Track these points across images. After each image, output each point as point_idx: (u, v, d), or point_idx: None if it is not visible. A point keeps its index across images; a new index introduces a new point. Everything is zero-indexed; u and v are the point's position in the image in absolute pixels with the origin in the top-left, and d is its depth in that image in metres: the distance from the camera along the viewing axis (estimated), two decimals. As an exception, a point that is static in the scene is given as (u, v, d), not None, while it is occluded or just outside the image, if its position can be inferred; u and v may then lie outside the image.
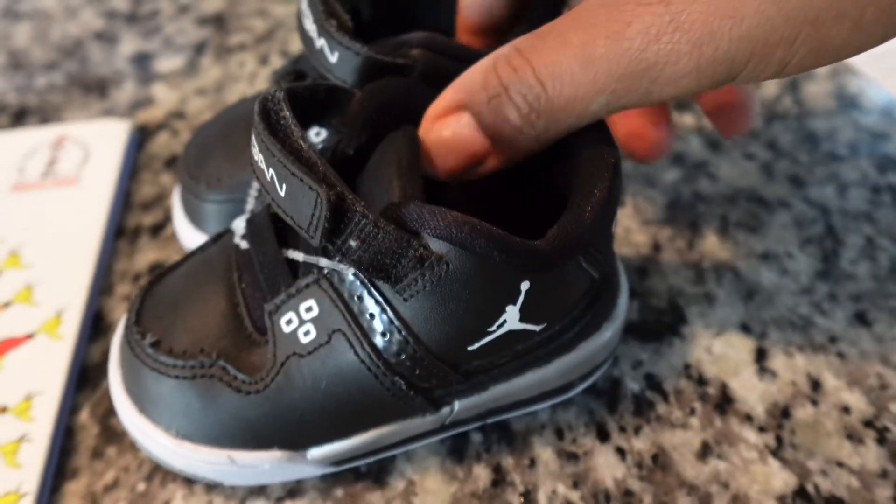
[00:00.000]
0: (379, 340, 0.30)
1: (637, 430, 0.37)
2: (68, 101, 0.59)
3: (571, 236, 0.28)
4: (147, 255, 0.47)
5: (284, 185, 0.27)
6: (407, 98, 0.33)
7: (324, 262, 0.30)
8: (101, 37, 0.65)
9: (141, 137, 0.55)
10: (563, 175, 0.32)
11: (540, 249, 0.27)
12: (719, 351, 0.40)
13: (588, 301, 0.32)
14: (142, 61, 0.62)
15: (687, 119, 0.53)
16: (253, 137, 0.28)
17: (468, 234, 0.26)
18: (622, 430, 0.37)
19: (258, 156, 0.28)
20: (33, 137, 0.53)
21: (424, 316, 0.29)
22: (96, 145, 0.52)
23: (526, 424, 0.37)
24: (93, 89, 0.59)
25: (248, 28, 0.65)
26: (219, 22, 0.66)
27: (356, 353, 0.30)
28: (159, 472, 0.36)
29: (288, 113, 0.28)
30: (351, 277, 0.29)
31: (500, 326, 0.30)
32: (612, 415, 0.38)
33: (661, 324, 0.41)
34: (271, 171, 0.27)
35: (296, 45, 0.62)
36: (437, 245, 0.27)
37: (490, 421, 0.36)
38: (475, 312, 0.29)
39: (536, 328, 0.31)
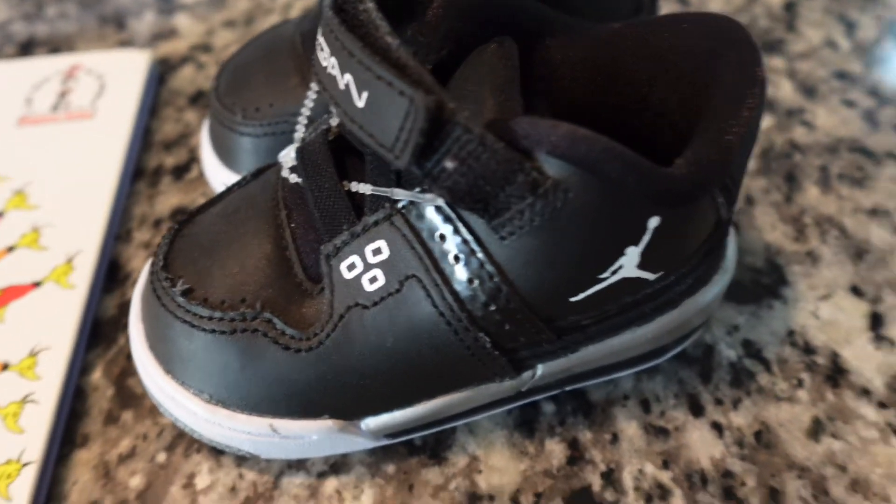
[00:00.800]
0: (463, 289, 0.25)
1: (736, 404, 0.32)
2: (81, 31, 0.53)
3: (714, 163, 0.23)
4: (169, 198, 0.41)
5: (365, 93, 0.21)
6: (496, 4, 0.27)
7: (399, 193, 0.24)
8: (116, -34, 0.60)
9: (162, 71, 0.49)
10: (681, 99, 0.26)
11: (680, 177, 0.22)
12: (827, 316, 0.35)
13: (707, 248, 0.27)
14: (161, -8, 0.56)
15: (777, 62, 0.47)
16: (321, 39, 0.23)
17: (600, 153, 0.21)
18: (718, 402, 0.32)
19: (329, 60, 0.23)
20: (42, 67, 0.47)
21: (525, 259, 0.24)
22: (113, 77, 0.46)
23: (606, 394, 0.32)
24: (109, 20, 0.54)
25: (277, -40, 0.59)
26: (245, -47, 0.60)
27: (434, 304, 0.25)
28: (182, 441, 0.32)
29: (371, 4, 0.23)
30: (433, 212, 0.24)
31: (613, 273, 0.24)
32: (705, 385, 0.33)
33: (758, 284, 0.36)
34: (347, 76, 0.22)
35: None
36: (555, 168, 0.21)
37: (567, 389, 0.31)
38: (589, 254, 0.24)
39: (651, 277, 0.26)
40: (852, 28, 0.50)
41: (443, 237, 0.24)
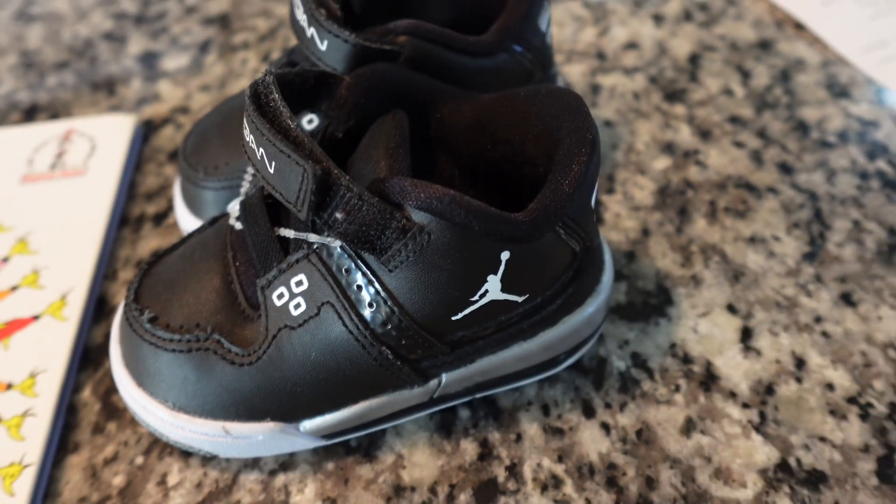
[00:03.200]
0: (366, 311, 0.31)
1: (622, 407, 0.38)
2: (77, 98, 0.60)
3: (550, 208, 0.29)
4: (150, 242, 0.48)
5: (273, 163, 0.28)
6: (394, 82, 0.34)
7: (313, 237, 0.31)
8: (111, 37, 0.67)
9: (146, 131, 0.56)
10: (545, 153, 0.33)
11: (518, 219, 0.29)
12: (705, 330, 0.40)
13: (571, 275, 0.33)
14: (149, 60, 0.64)
15: (678, 109, 0.53)
16: (245, 120, 0.30)
17: (448, 204, 0.27)
18: (608, 406, 0.38)
19: (249, 136, 0.29)
20: (43, 131, 0.54)
21: (409, 286, 0.30)
22: (103, 138, 0.53)
23: (513, 401, 0.38)
24: (101, 87, 0.61)
25: (251, 27, 0.66)
26: (223, 22, 0.67)
27: (344, 325, 0.31)
28: (157, 447, 0.38)
29: (277, 95, 0.29)
30: (339, 251, 0.30)
31: (482, 296, 0.31)
32: (598, 392, 0.38)
33: (647, 305, 0.42)
34: (261, 150, 0.29)
35: (296, 42, 0.64)
36: (419, 216, 0.28)
37: (478, 396, 0.37)
38: (457, 282, 0.30)
39: (518, 299, 0.32)
40: (748, 77, 0.56)
41: (348, 271, 0.30)
